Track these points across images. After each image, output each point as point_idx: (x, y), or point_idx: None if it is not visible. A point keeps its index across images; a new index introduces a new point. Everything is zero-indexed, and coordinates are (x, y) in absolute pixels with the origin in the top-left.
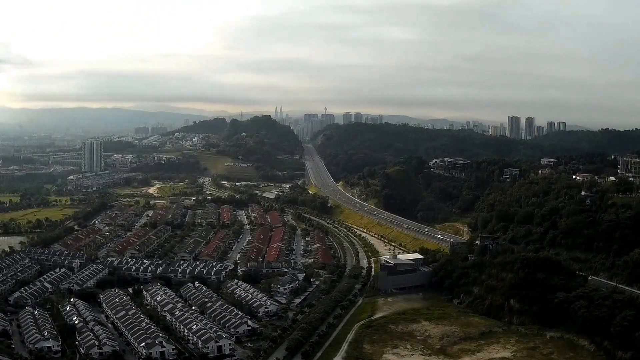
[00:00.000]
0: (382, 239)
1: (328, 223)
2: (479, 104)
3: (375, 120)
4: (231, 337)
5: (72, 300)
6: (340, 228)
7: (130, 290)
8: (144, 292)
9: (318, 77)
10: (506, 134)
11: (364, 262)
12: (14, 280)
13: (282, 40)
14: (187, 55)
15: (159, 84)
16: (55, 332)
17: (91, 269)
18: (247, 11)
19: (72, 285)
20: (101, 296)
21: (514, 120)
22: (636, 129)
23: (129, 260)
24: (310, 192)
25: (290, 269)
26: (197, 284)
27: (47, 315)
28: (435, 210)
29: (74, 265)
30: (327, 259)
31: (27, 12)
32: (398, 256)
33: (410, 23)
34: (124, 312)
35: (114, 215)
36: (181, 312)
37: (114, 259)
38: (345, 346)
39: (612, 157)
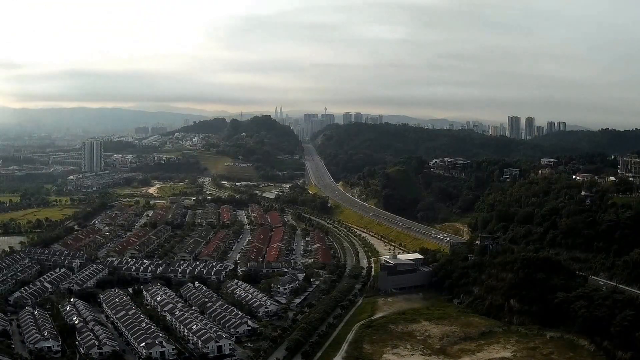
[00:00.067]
0: (382, 239)
1: (328, 223)
2: (479, 104)
3: (375, 120)
4: (231, 337)
5: (72, 300)
6: (340, 228)
7: (130, 290)
8: (144, 292)
9: (317, 77)
10: (506, 134)
11: (364, 262)
12: (14, 280)
13: (278, 39)
14: (186, 56)
15: (158, 84)
16: (55, 332)
17: (91, 269)
18: (244, 11)
19: (72, 285)
20: (101, 296)
21: (514, 120)
22: (636, 129)
23: (129, 260)
24: (310, 192)
25: (290, 269)
26: (197, 284)
27: (47, 315)
28: (435, 210)
29: (74, 265)
30: (327, 259)
31: (27, 12)
32: (398, 256)
33: (402, 22)
34: (124, 312)
35: (114, 215)
36: (181, 312)
37: (114, 259)
38: (345, 346)
39: (612, 157)
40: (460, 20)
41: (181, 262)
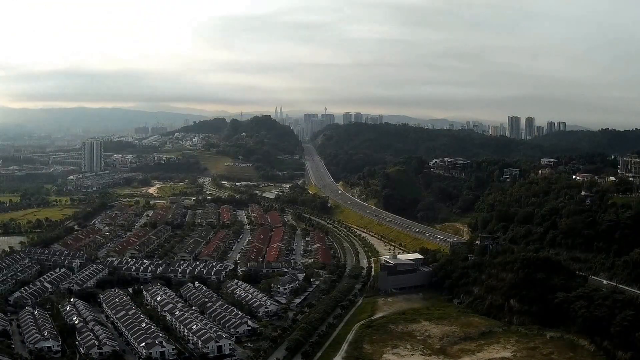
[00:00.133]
0: (382, 239)
1: (328, 223)
2: (479, 104)
3: (375, 120)
4: (231, 337)
5: (72, 300)
6: (340, 228)
7: (130, 290)
8: (144, 292)
9: (317, 77)
10: (506, 134)
11: (364, 262)
12: (14, 280)
13: (277, 39)
14: (185, 56)
15: (158, 84)
16: (55, 332)
17: (91, 269)
18: (243, 10)
19: (72, 285)
20: (101, 296)
21: (514, 120)
22: (636, 129)
23: (129, 260)
24: (310, 192)
25: (290, 269)
26: (197, 284)
27: (47, 315)
28: (435, 210)
29: (74, 265)
30: (327, 259)
31: (27, 12)
32: (398, 256)
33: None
34: (124, 312)
35: (114, 215)
36: (181, 312)
37: (114, 259)
38: (345, 346)
39: (612, 157)
40: (460, 20)
41: (181, 262)
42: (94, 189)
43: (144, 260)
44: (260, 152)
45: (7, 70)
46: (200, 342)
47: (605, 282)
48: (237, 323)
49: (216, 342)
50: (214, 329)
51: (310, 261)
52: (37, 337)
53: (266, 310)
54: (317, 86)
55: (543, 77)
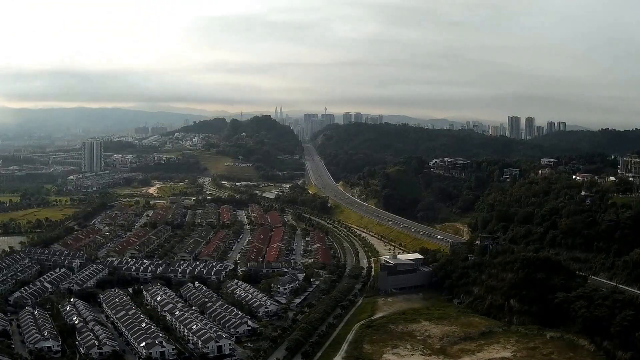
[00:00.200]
0: (382, 239)
1: (328, 223)
2: (479, 104)
3: (375, 120)
4: (231, 337)
5: (72, 300)
6: (340, 228)
7: (130, 290)
8: (144, 292)
9: (317, 77)
10: (506, 134)
11: (364, 262)
12: (14, 280)
13: (277, 38)
14: (184, 55)
15: (158, 84)
16: (55, 332)
17: (91, 269)
18: (243, 10)
19: (72, 285)
20: (101, 296)
21: (514, 120)
22: (636, 129)
23: (129, 260)
24: (310, 192)
25: (290, 269)
26: (197, 284)
27: (47, 315)
28: (435, 210)
29: (74, 265)
30: (327, 259)
31: (27, 12)
32: (398, 256)
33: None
34: (124, 312)
35: (114, 215)
36: (181, 312)
37: (114, 259)
38: (345, 346)
39: (612, 157)
40: (460, 20)
41: (181, 262)
42: (94, 189)
43: (144, 260)
44: (260, 152)
45: (7, 70)
46: (200, 342)
47: (602, 282)
48: (237, 323)
49: (216, 342)
50: (214, 329)
51: (310, 261)
52: (37, 337)
53: (266, 310)
54: (317, 86)
55: (543, 77)
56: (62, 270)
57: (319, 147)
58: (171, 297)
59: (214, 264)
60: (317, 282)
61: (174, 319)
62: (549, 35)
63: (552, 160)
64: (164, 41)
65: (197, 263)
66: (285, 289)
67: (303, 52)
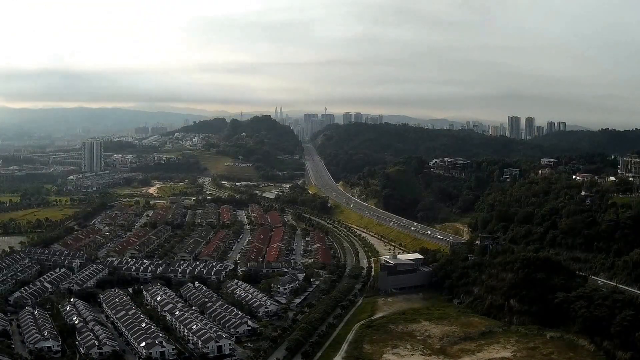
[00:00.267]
0: (382, 239)
1: (328, 223)
2: (479, 104)
3: (375, 120)
4: (231, 337)
5: (72, 300)
6: (340, 228)
7: (130, 290)
8: (144, 292)
9: (317, 77)
10: (506, 134)
11: (364, 262)
12: (14, 280)
13: (276, 38)
14: (184, 55)
15: (158, 84)
16: (55, 332)
17: (91, 269)
18: (242, 10)
19: (72, 285)
20: (101, 296)
21: (514, 120)
22: (636, 129)
23: (129, 260)
24: (310, 192)
25: (290, 269)
26: (197, 284)
27: (47, 315)
28: (435, 210)
29: (74, 265)
30: (327, 259)
31: (27, 12)
32: (398, 256)
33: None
34: (124, 312)
35: (114, 215)
36: (181, 312)
37: (114, 259)
38: (345, 346)
39: (612, 157)
40: (460, 20)
41: (181, 262)
42: (94, 189)
43: (144, 260)
44: (260, 152)
45: (7, 70)
46: (200, 342)
47: (602, 282)
48: (237, 323)
49: (216, 342)
50: (214, 329)
51: (310, 261)
52: (37, 337)
53: (266, 310)
54: (317, 86)
55: (543, 77)
56: (62, 270)
57: (319, 147)
58: (171, 297)
59: (214, 264)
60: (317, 282)
61: (174, 319)
62: (549, 35)
63: (552, 160)
64: (163, 41)
65: (197, 263)
66: (285, 289)
67: (303, 52)
